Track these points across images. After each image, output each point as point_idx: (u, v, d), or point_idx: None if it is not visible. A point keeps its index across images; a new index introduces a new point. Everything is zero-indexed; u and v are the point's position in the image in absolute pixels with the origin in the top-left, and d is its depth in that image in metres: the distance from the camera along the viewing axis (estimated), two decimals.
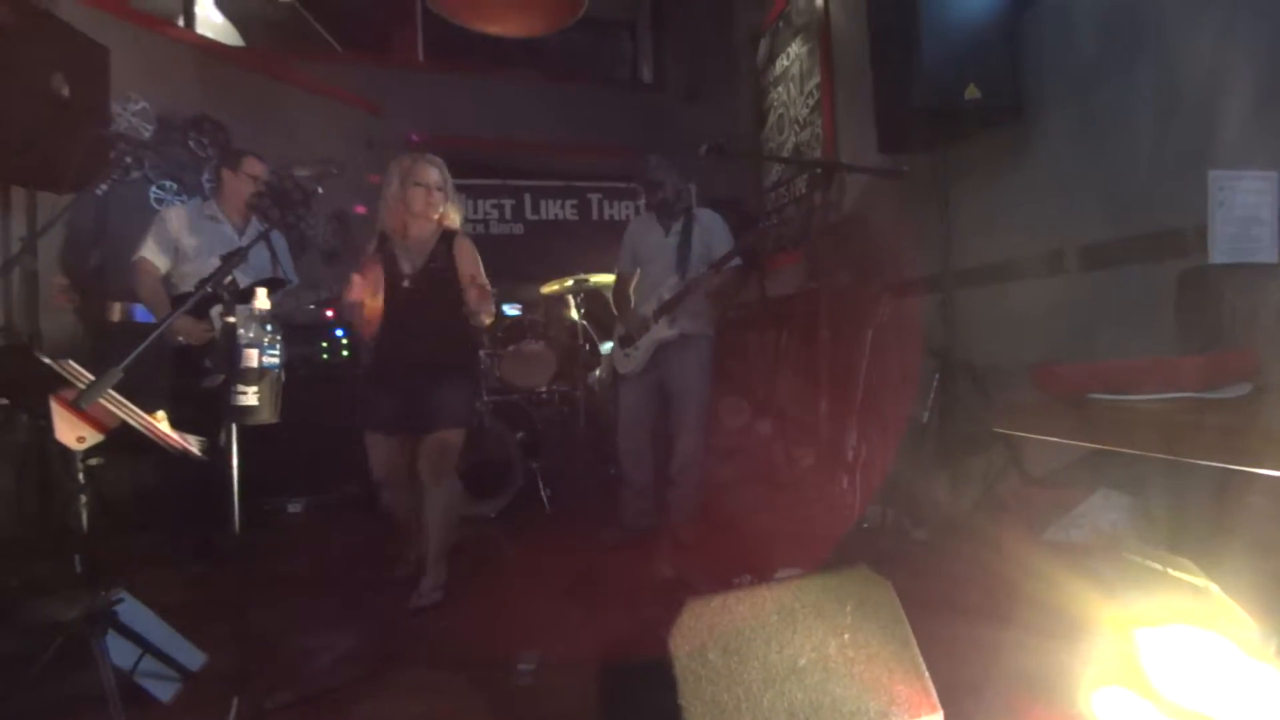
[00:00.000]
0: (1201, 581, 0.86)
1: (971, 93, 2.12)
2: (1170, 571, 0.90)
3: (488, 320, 2.38)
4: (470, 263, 2.37)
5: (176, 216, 2.71)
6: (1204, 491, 1.06)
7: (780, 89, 4.27)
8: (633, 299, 2.97)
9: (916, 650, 1.07)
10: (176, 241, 2.63)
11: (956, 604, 1.24)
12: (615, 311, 3.06)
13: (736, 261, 2.76)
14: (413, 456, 2.25)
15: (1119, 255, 1.94)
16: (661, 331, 2.75)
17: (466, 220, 4.77)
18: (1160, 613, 0.87)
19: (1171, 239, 1.72)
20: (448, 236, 2.37)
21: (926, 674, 1.06)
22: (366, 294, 2.22)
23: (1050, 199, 2.19)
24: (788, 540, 2.51)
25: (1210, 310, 1.08)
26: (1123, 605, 0.91)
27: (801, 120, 3.98)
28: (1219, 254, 1.09)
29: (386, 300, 2.28)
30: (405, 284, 2.28)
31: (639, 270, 2.97)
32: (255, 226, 2.77)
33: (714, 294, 2.81)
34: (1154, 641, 0.87)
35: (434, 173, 2.30)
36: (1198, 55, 1.71)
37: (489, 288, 2.36)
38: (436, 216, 2.34)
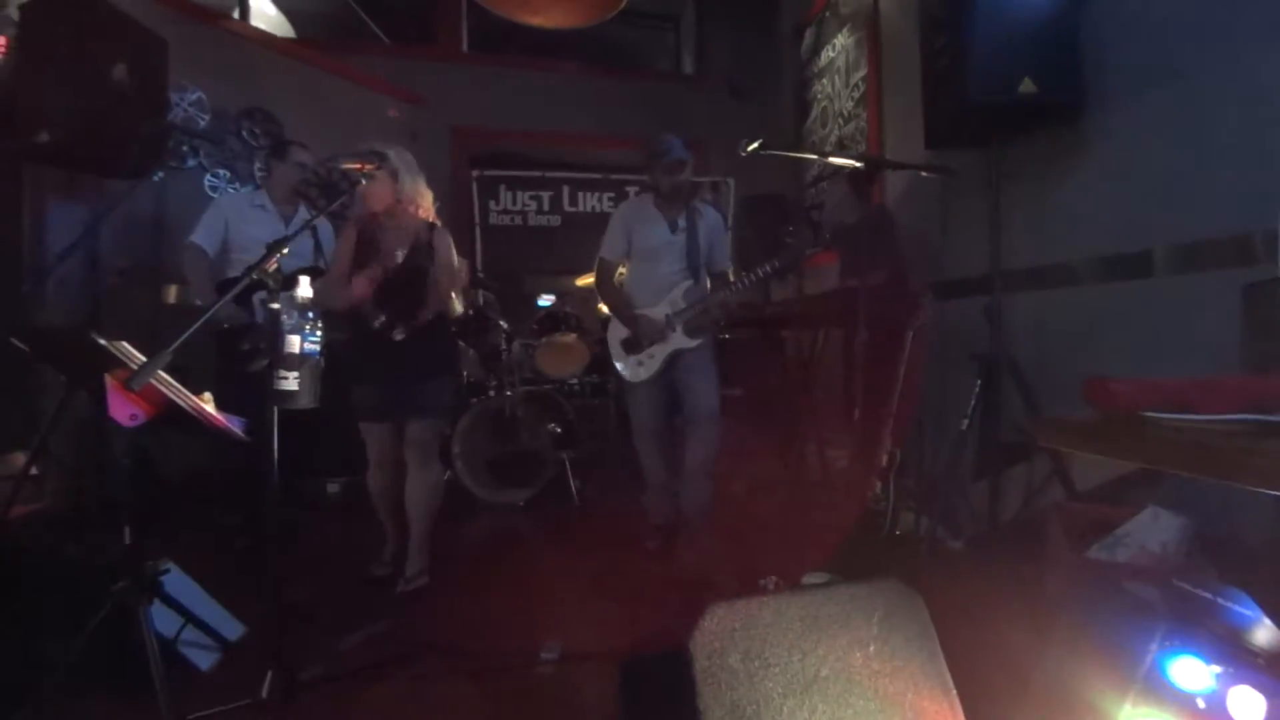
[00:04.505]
0: (1254, 614, 0.81)
1: (1027, 86, 2.02)
2: (1220, 602, 0.85)
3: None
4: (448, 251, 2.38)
5: (227, 204, 2.82)
6: (1263, 517, 1.00)
7: (825, 81, 4.17)
8: (626, 292, 2.80)
9: (944, 666, 1.04)
10: (226, 228, 2.73)
11: (990, 622, 1.20)
12: (607, 306, 2.85)
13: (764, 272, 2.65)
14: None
15: (1181, 262, 1.84)
16: (683, 341, 2.65)
17: (505, 211, 4.85)
18: (1207, 646, 0.82)
19: (1238, 246, 1.63)
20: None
21: (954, 691, 1.03)
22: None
23: (1109, 201, 2.09)
24: (817, 543, 2.47)
25: (1278, 325, 1.01)
26: (1167, 635, 0.87)
27: (846, 114, 3.89)
28: None
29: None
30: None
31: (631, 261, 2.80)
32: (301, 215, 2.86)
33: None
34: (1199, 678, 0.82)
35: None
36: (1273, 49, 1.60)
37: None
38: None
